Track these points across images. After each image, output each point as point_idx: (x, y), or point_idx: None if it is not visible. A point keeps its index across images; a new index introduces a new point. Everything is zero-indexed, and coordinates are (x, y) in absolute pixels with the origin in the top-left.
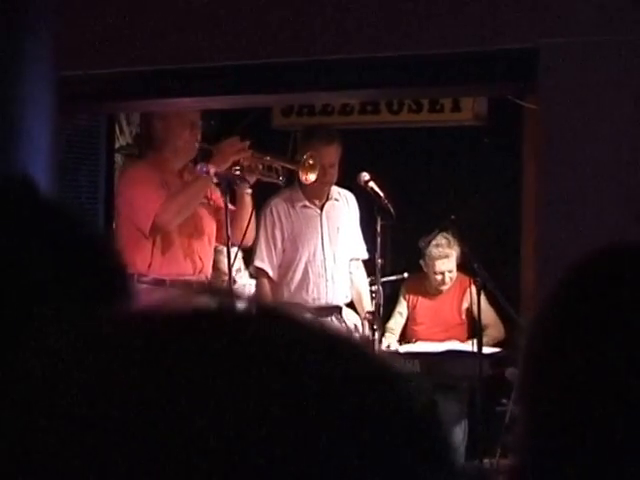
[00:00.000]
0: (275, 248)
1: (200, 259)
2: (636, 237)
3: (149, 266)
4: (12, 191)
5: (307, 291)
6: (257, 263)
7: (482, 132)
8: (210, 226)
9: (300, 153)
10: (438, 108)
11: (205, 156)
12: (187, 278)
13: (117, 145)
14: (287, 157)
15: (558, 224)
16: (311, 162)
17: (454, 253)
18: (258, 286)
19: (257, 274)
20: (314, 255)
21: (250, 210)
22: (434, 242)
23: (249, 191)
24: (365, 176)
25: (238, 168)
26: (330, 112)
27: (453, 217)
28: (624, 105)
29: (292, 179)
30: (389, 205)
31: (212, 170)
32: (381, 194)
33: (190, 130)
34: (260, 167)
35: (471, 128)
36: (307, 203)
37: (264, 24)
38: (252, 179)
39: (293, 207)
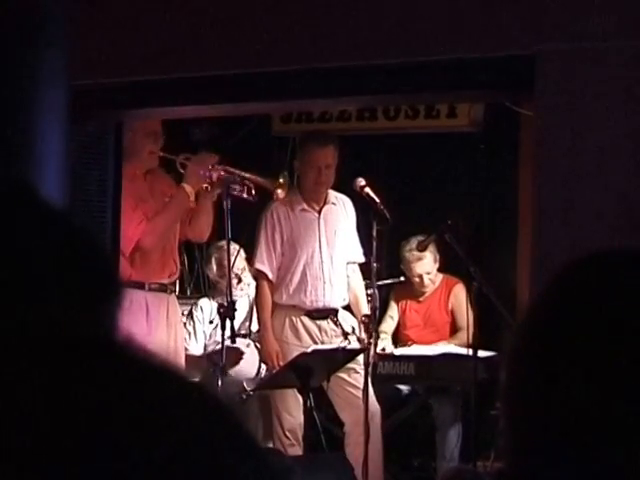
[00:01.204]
0: (275, 251)
1: (174, 262)
2: (629, 241)
3: (129, 276)
4: (11, 196)
5: (305, 293)
6: (257, 265)
7: (478, 138)
8: (177, 226)
9: (298, 157)
10: (434, 114)
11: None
12: (163, 282)
13: None
14: (259, 175)
15: (553, 228)
16: (281, 181)
17: (429, 255)
18: (258, 288)
19: (257, 276)
20: (312, 258)
21: (211, 213)
22: (407, 247)
23: (213, 199)
24: (361, 181)
25: (206, 185)
26: (328, 119)
27: (449, 222)
28: (619, 112)
29: (291, 184)
30: (384, 210)
31: (214, 175)
32: (377, 199)
33: (153, 140)
34: (233, 183)
35: (467, 134)
36: (306, 207)
37: (264, 34)
38: (217, 192)
39: (292, 210)
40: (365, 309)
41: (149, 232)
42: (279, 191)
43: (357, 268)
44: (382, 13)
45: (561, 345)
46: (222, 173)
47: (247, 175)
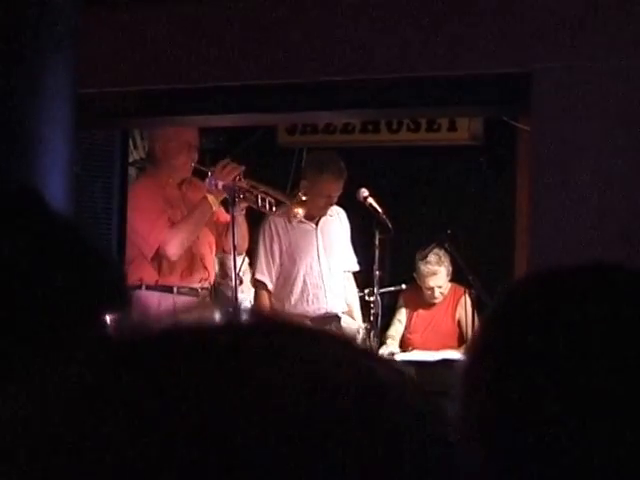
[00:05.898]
0: (273, 261)
1: (205, 268)
2: (621, 252)
3: (156, 281)
4: (20, 203)
5: (307, 302)
6: (257, 276)
7: (477, 151)
8: (211, 235)
9: (308, 178)
10: (435, 128)
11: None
12: (193, 286)
13: (131, 159)
14: (281, 191)
15: (549, 239)
16: (304, 199)
17: (443, 270)
18: (257, 298)
19: (257, 286)
20: (311, 267)
21: (243, 226)
22: (424, 260)
23: (242, 212)
24: (364, 192)
25: (233, 188)
26: (332, 131)
27: (449, 231)
28: (613, 128)
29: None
30: (387, 220)
31: (220, 183)
32: (379, 209)
33: (187, 151)
34: (254, 197)
35: (467, 147)
36: (303, 219)
37: (270, 47)
38: (245, 205)
39: (290, 222)
40: (359, 318)
41: (170, 239)
42: (299, 211)
43: (351, 277)
44: (385, 31)
45: (511, 362)
46: (246, 183)
47: (269, 192)
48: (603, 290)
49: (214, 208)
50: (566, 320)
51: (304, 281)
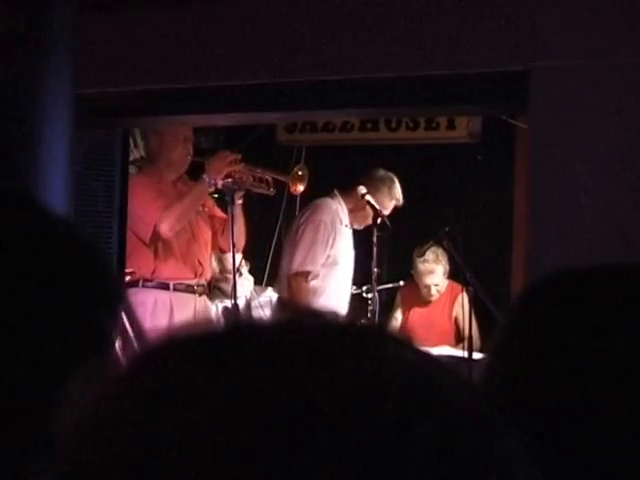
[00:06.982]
0: (323, 256)
1: (200, 263)
2: (619, 252)
3: (153, 271)
4: (10, 204)
5: (332, 302)
6: (308, 267)
7: (476, 149)
8: (206, 232)
9: (374, 191)
10: (434, 126)
11: (198, 169)
12: (189, 282)
13: (131, 158)
14: (277, 169)
15: (547, 238)
16: (300, 173)
17: (441, 268)
18: (298, 290)
19: (298, 277)
20: (344, 272)
21: (240, 221)
22: (422, 258)
23: (240, 202)
24: (362, 189)
25: (230, 180)
26: (331, 129)
27: (447, 229)
28: (611, 127)
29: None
30: (385, 218)
31: (220, 182)
32: (377, 207)
33: (183, 144)
34: (251, 179)
35: (465, 145)
36: (348, 223)
37: (270, 47)
38: (243, 190)
39: (341, 224)
40: None
41: (166, 216)
42: (299, 186)
43: None
44: (384, 30)
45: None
46: (243, 167)
47: (266, 172)
48: (624, 292)
49: (210, 189)
50: (589, 323)
51: (336, 281)
